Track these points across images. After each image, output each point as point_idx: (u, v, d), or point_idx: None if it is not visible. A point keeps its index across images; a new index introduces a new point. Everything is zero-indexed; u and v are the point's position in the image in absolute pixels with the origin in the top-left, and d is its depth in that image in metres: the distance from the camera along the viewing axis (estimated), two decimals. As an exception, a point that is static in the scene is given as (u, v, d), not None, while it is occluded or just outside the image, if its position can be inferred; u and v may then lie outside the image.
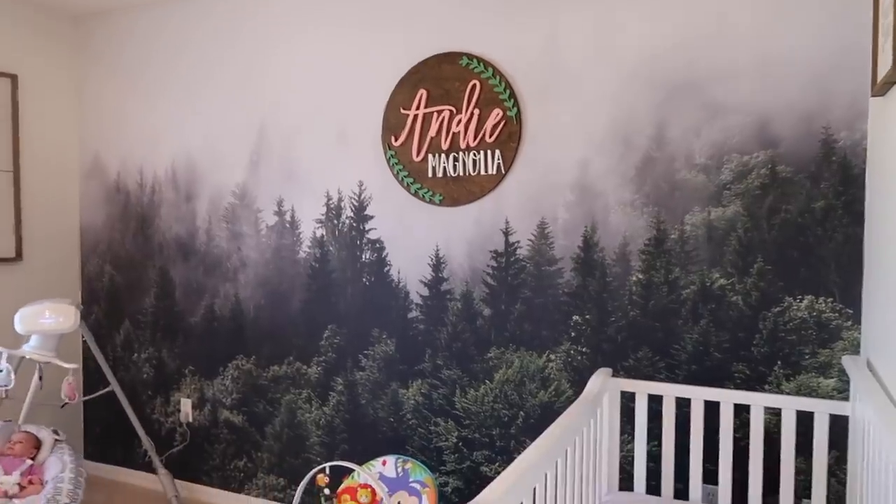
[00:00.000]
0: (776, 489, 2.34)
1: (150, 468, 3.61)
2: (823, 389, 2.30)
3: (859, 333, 2.25)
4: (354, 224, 3.07)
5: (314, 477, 2.57)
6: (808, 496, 2.32)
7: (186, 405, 3.53)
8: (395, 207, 2.97)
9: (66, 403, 2.93)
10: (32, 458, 2.80)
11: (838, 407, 2.18)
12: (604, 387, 2.37)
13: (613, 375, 2.56)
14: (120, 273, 3.73)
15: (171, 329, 3.58)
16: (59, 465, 2.73)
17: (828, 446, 2.22)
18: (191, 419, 3.52)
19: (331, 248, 3.13)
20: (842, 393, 2.28)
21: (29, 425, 2.94)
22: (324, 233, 3.15)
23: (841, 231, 2.27)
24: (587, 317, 2.64)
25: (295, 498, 2.44)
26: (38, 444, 2.86)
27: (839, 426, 2.27)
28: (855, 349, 2.26)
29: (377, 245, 3.03)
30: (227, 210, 3.39)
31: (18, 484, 2.64)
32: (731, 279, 2.42)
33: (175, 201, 3.54)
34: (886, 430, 1.50)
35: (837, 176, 2.26)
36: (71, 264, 3.84)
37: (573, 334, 2.67)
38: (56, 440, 2.89)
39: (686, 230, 2.47)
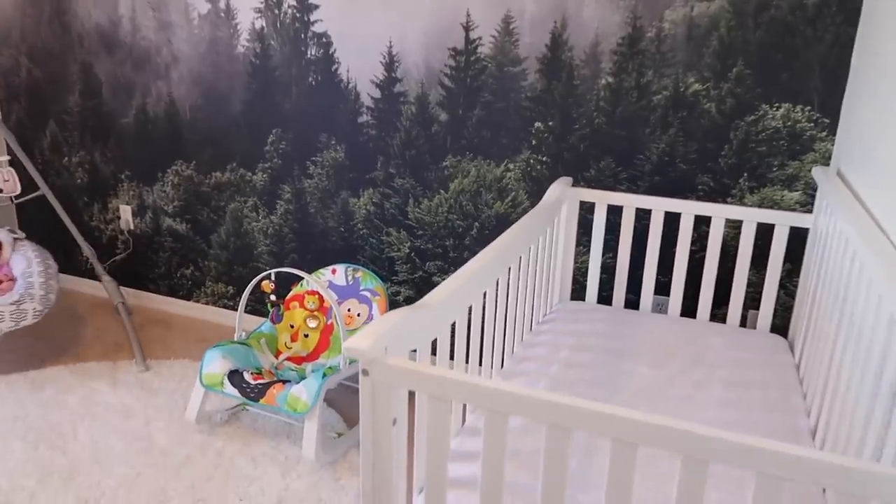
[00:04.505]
0: (724, 301, 2.35)
1: (93, 275, 3.50)
2: (786, 202, 2.23)
3: (832, 145, 2.14)
4: (298, 14, 2.73)
5: (259, 283, 2.49)
6: (755, 307, 2.34)
7: (126, 212, 3.35)
8: (343, -5, 2.63)
9: None
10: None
11: (800, 219, 2.12)
12: (563, 196, 2.26)
13: (573, 185, 2.45)
14: (38, 67, 3.34)
15: (102, 131, 3.29)
16: (24, 262, 2.61)
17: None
18: (132, 226, 3.36)
19: (272, 42, 2.81)
20: (804, 206, 2.21)
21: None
22: (263, 24, 2.80)
23: (832, 31, 2.06)
24: (550, 124, 2.47)
25: (240, 303, 2.36)
26: (-2, 245, 2.73)
27: (795, 239, 2.23)
28: (825, 161, 2.16)
29: (324, 39, 2.72)
30: (152, -5, 2.98)
31: (-10, 283, 2.54)
32: (706, 84, 2.23)
33: (92, -17, 3.09)
34: (858, 236, 1.42)
35: (838, -34, 2.02)
36: (-18, 56, 3.43)
37: (534, 142, 2.51)
38: (15, 238, 2.75)
39: (664, 28, 2.24)
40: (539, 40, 2.40)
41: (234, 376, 2.21)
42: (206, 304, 3.30)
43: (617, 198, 2.31)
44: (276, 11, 2.76)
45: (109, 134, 3.27)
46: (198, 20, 2.92)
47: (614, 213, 2.42)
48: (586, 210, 2.47)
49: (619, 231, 2.42)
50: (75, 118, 3.33)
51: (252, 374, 2.23)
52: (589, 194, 2.34)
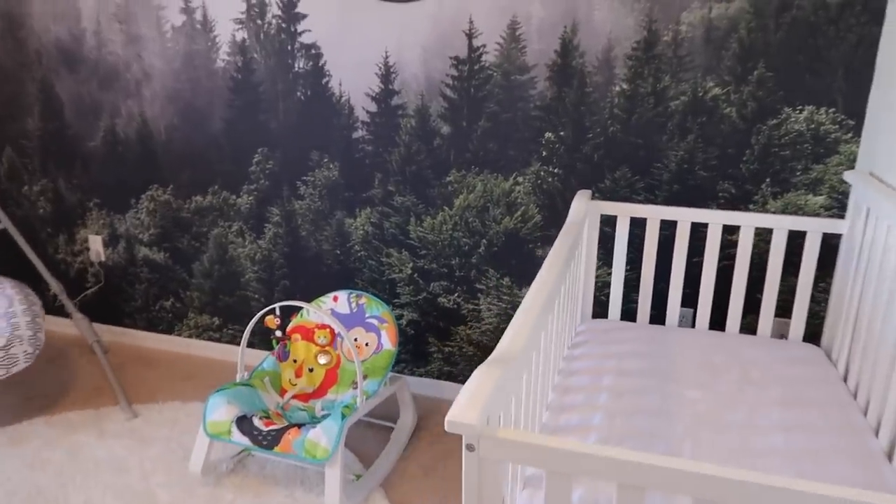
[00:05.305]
0: (748, 311, 2.28)
1: (62, 312, 3.23)
2: (811, 207, 2.17)
3: (857, 147, 2.08)
4: (283, 25, 2.55)
5: (262, 319, 2.30)
6: (781, 316, 2.27)
7: (96, 242, 3.10)
8: (333, 3, 2.46)
9: None
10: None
11: (833, 225, 2.06)
12: (586, 211, 2.14)
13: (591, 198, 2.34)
14: (-10, 89, 3.07)
15: (66, 156, 3.03)
16: (5, 301, 2.36)
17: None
18: (103, 258, 3.11)
19: (255, 56, 2.62)
20: (828, 210, 2.15)
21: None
22: (245, 36, 2.61)
23: (856, 31, 2.01)
24: (561, 133, 2.35)
25: (242, 341, 2.18)
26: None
27: (823, 246, 2.16)
28: (850, 164, 2.11)
29: (312, 51, 2.55)
30: (118, 6, 2.75)
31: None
32: (726, 88, 2.15)
33: (49, -4, 2.84)
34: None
35: (863, -36, 1.96)
36: (-77, 78, 3.12)
37: (544, 153, 2.39)
38: None
39: (681, 31, 2.15)
40: (548, 46, 2.29)
41: (243, 423, 2.03)
42: (189, 337, 3.08)
43: (640, 210, 2.20)
44: (259, 22, 2.58)
45: (74, 159, 3.02)
46: (171, 33, 2.71)
47: (633, 224, 2.32)
48: (603, 223, 2.37)
49: (637, 243, 2.32)
50: (35, 143, 3.06)
51: (261, 418, 2.05)
52: (610, 207, 2.23)
